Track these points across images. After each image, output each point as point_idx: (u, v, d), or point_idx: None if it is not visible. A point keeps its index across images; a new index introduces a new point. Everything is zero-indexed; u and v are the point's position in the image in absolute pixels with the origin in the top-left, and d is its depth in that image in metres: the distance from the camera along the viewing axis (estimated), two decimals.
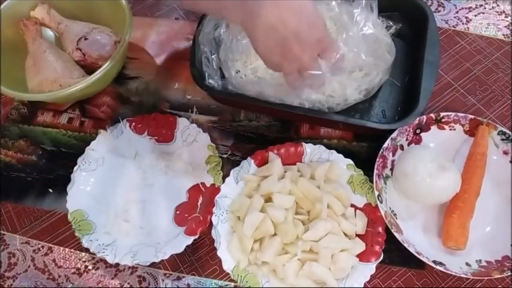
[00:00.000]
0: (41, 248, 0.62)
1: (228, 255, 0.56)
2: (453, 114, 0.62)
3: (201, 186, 0.63)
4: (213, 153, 0.63)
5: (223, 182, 0.60)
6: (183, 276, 0.59)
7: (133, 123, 0.67)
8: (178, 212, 0.62)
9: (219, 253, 0.56)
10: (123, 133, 0.66)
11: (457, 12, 0.78)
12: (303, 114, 0.62)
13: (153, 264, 0.59)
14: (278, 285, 0.55)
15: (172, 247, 0.57)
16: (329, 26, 0.66)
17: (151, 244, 0.58)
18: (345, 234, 0.57)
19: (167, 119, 0.66)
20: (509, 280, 0.56)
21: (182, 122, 0.66)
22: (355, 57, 0.59)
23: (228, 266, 0.55)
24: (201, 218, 0.59)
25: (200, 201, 0.62)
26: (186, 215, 0.61)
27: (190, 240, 0.57)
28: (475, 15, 0.77)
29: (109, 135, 0.66)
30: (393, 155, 0.62)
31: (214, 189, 0.61)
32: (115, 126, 0.66)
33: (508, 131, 0.60)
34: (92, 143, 0.64)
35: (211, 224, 0.58)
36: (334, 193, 0.59)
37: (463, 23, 0.76)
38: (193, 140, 0.65)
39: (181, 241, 0.57)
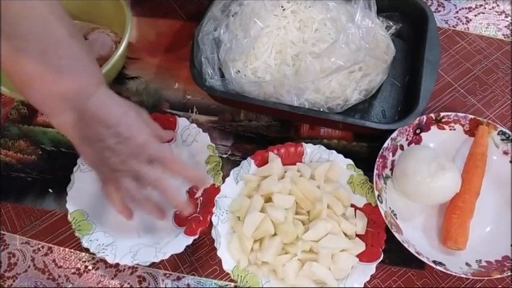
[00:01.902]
0: (41, 248, 0.62)
1: (228, 255, 0.56)
2: (453, 114, 0.62)
3: None
4: (212, 153, 0.63)
5: (223, 182, 0.60)
6: (183, 276, 0.59)
7: None
8: (178, 212, 0.62)
9: (219, 253, 0.56)
10: None
11: (457, 12, 0.78)
12: (303, 114, 0.62)
13: (153, 264, 0.59)
14: (278, 286, 0.55)
15: (172, 247, 0.57)
16: (328, 26, 0.66)
17: (151, 244, 0.58)
18: (345, 235, 0.57)
19: (167, 119, 0.66)
20: (509, 280, 0.56)
21: (182, 122, 0.66)
22: (354, 54, 0.59)
23: (228, 266, 0.55)
24: (201, 218, 0.59)
25: (200, 201, 0.62)
26: (186, 215, 0.61)
27: (190, 240, 0.57)
28: (475, 15, 0.77)
29: None
30: (393, 155, 0.62)
31: (214, 189, 0.61)
32: None
33: (508, 131, 0.60)
34: None
35: (211, 224, 0.58)
36: (334, 193, 0.59)
37: (463, 23, 0.76)
38: (193, 140, 0.65)
39: (181, 241, 0.57)
